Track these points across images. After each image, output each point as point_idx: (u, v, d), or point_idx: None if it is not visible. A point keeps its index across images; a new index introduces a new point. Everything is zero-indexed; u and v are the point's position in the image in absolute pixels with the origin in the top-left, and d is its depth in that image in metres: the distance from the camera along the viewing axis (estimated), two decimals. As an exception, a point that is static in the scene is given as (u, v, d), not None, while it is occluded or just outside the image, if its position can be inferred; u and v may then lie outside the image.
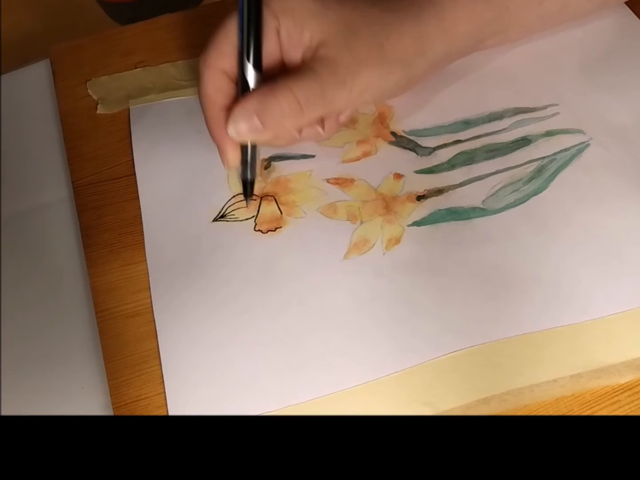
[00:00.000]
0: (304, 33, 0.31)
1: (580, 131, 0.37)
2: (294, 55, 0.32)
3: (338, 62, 0.31)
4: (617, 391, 0.30)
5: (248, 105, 0.30)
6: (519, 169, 0.36)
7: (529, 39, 0.40)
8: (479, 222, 0.34)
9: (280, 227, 0.35)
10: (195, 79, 0.41)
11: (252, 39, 0.30)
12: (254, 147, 0.32)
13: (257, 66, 0.31)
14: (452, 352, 0.30)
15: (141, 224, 0.35)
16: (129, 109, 0.40)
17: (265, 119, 0.30)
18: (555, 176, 0.35)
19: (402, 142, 0.37)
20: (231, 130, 0.31)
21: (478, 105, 0.38)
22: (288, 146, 0.35)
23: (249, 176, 0.33)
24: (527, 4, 0.36)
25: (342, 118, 0.35)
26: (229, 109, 0.31)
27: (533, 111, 0.38)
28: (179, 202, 0.36)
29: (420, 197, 0.35)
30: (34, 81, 0.43)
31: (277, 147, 0.37)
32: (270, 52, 0.32)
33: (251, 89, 0.31)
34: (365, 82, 0.32)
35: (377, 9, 0.33)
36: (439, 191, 0.35)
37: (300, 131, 0.33)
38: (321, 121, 0.34)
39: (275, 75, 0.32)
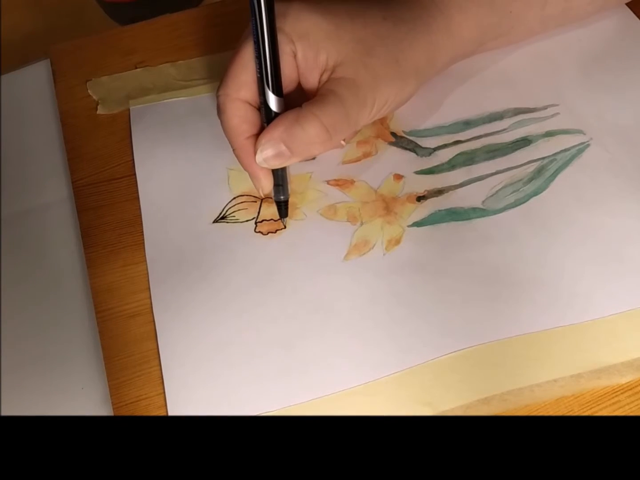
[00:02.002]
0: (320, 55, 0.31)
1: (580, 131, 0.37)
2: (311, 77, 0.32)
3: (358, 82, 0.31)
4: (617, 391, 0.30)
5: (275, 133, 0.30)
6: (519, 169, 0.36)
7: (530, 40, 0.40)
8: (479, 223, 0.34)
9: (281, 229, 0.35)
10: (195, 79, 0.41)
11: (271, 66, 0.30)
12: (283, 169, 0.33)
13: (278, 92, 0.31)
14: (452, 352, 0.30)
15: (141, 224, 0.35)
16: (129, 109, 0.40)
17: (292, 146, 0.31)
18: (555, 176, 0.35)
19: (402, 142, 0.37)
20: (259, 158, 0.31)
21: (478, 106, 0.38)
22: None
23: (282, 197, 0.34)
24: (530, 7, 0.37)
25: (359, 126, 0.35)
26: (255, 136, 0.31)
27: (533, 111, 0.38)
28: (179, 203, 0.36)
29: (420, 198, 0.35)
30: (34, 81, 0.43)
31: None
32: (288, 76, 0.32)
33: (275, 115, 0.31)
34: (384, 97, 0.32)
35: (388, 23, 0.33)
36: (439, 192, 0.35)
37: None
38: None
39: (293, 97, 0.32)
